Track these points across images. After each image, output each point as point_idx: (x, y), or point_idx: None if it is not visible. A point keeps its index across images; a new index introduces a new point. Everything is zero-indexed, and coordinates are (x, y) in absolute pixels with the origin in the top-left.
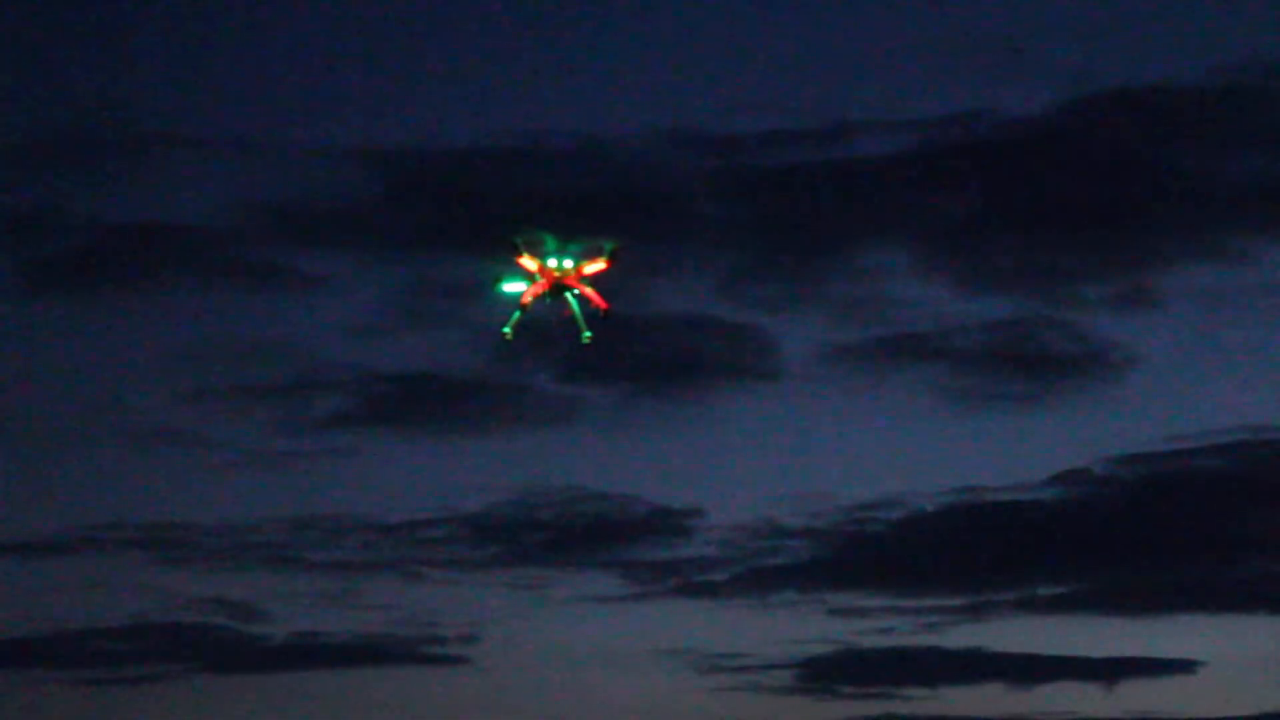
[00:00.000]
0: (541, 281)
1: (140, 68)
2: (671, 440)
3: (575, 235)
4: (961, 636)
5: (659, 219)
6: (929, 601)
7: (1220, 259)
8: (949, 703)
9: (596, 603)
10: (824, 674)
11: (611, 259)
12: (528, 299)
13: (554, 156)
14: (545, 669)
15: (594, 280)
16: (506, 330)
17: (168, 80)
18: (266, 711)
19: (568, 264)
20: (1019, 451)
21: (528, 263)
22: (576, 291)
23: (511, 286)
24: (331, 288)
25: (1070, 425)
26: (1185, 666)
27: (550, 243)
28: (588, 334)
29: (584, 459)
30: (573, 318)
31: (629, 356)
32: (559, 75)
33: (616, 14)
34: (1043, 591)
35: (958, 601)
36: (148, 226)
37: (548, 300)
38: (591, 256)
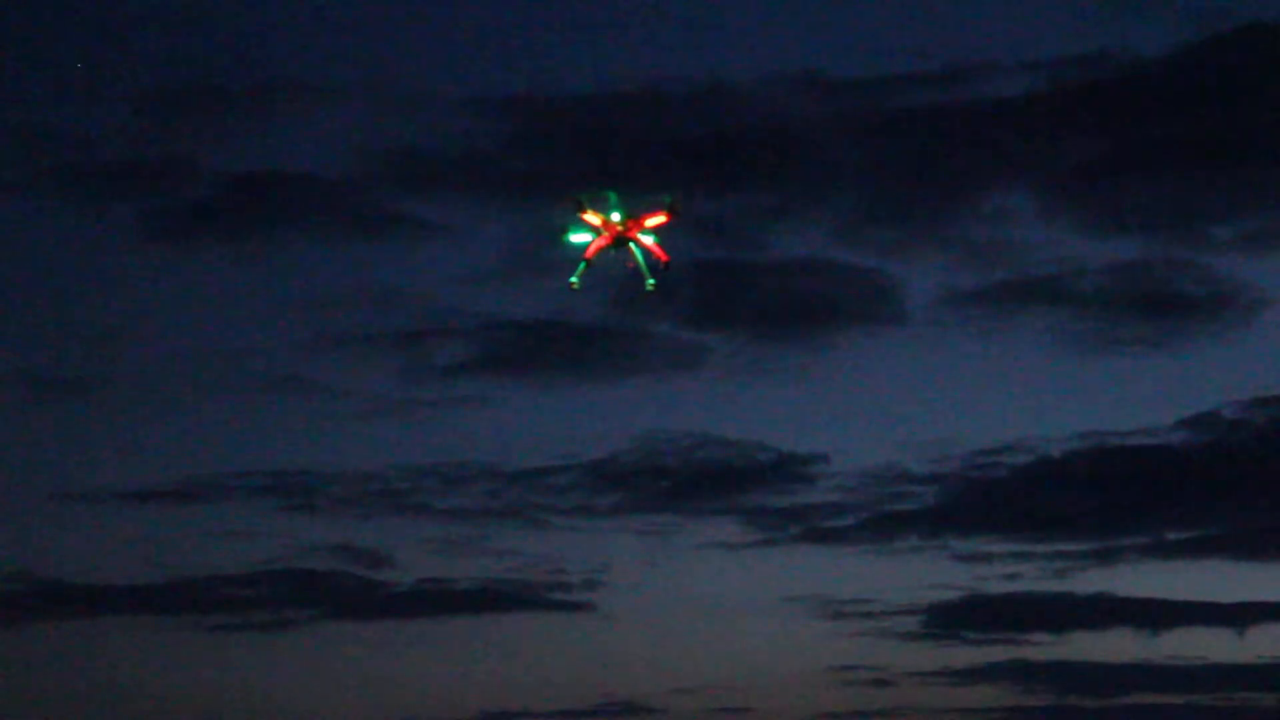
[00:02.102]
0: (605, 235)
1: (263, 18)
2: (795, 386)
3: (638, 190)
4: (1089, 582)
5: (781, 163)
6: (1056, 547)
7: None
8: (1076, 648)
9: (721, 549)
10: (950, 620)
11: (672, 212)
12: (593, 252)
13: (675, 101)
14: (669, 615)
15: (656, 232)
16: (574, 280)
17: (291, 30)
18: (392, 657)
19: (629, 218)
20: (1146, 395)
21: (591, 218)
22: (639, 244)
23: (578, 237)
24: (454, 235)
25: (1198, 368)
26: None
27: (612, 198)
28: (651, 281)
29: (708, 405)
30: (637, 268)
31: (752, 302)
32: (680, 20)
33: None
34: (1171, 536)
35: (1085, 547)
36: (271, 176)
37: (612, 252)
38: (652, 210)
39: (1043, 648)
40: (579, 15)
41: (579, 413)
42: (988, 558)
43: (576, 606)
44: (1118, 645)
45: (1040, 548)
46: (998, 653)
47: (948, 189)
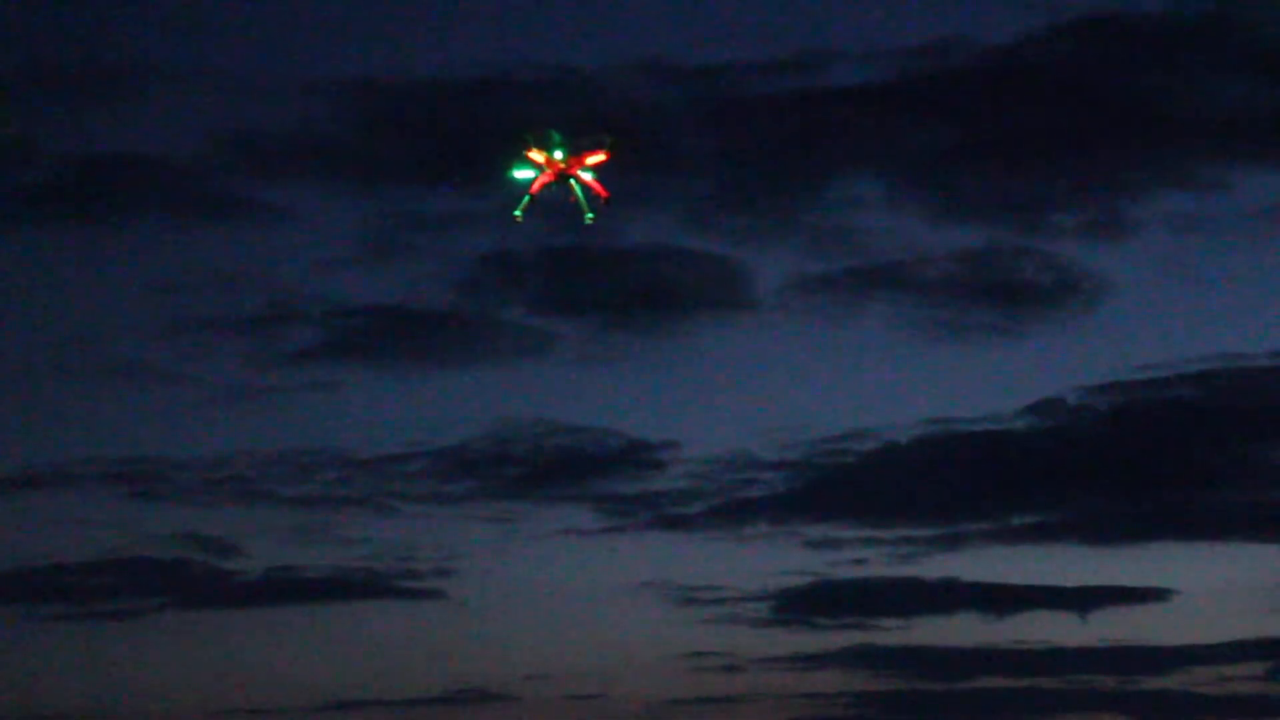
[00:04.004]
0: (548, 172)
1: (110, 1)
2: (644, 373)
3: (578, 130)
4: (935, 567)
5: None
6: (903, 532)
7: (1192, 187)
8: (923, 633)
9: (572, 536)
10: (798, 605)
11: (611, 151)
12: (537, 187)
13: (524, 88)
14: (520, 602)
15: (596, 169)
16: (517, 213)
17: (138, 13)
18: (241, 647)
19: (571, 156)
20: (992, 382)
21: (535, 155)
22: (579, 180)
23: (522, 174)
24: (301, 220)
25: (1043, 355)
26: (1159, 594)
27: (555, 137)
28: (590, 215)
29: (557, 392)
30: (577, 203)
31: (602, 289)
32: (529, 6)
33: None
34: (1016, 521)
35: (931, 532)
36: (117, 159)
37: (554, 188)
38: (593, 149)
39: (890, 632)
40: (427, 1)
41: (429, 399)
42: (836, 543)
43: (428, 594)
44: (964, 629)
45: (887, 533)
46: (847, 637)
47: (796, 176)
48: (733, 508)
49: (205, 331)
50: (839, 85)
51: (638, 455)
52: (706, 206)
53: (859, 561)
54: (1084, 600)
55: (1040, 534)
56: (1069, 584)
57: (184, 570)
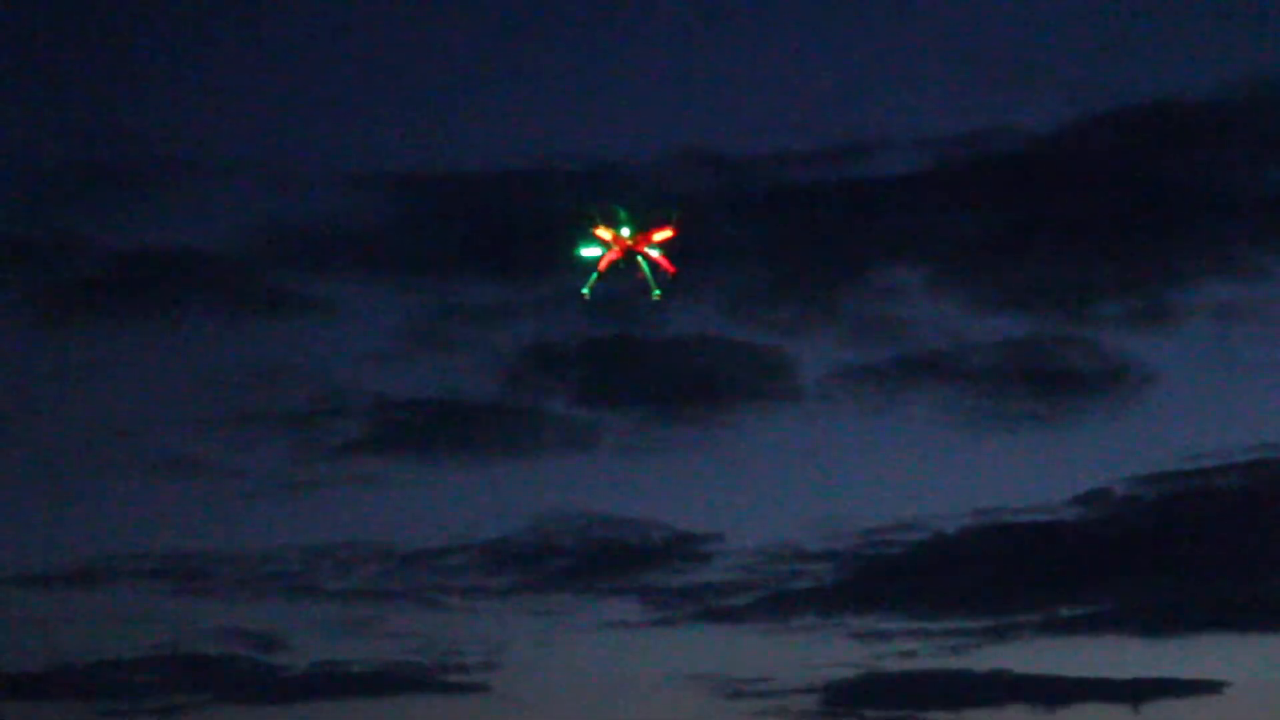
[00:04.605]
0: (615, 249)
1: (153, 95)
2: (689, 464)
3: (642, 207)
4: (984, 658)
5: (672, 241)
6: (951, 624)
7: (1237, 275)
8: None
9: (617, 629)
10: (847, 697)
11: (677, 226)
12: (604, 264)
13: (566, 179)
14: (566, 695)
15: (662, 245)
16: (585, 291)
17: (181, 107)
18: None
19: (638, 233)
20: (1039, 472)
21: (602, 233)
22: (646, 257)
23: (589, 251)
24: (346, 313)
25: (1090, 445)
26: (1211, 687)
27: (622, 214)
28: (657, 292)
29: (601, 484)
30: (645, 279)
31: (645, 380)
32: (571, 98)
33: (627, 35)
34: (1066, 613)
35: (980, 624)
36: (162, 253)
37: (622, 265)
38: (658, 225)
39: None
40: (470, 92)
41: (473, 493)
42: (884, 635)
43: (474, 688)
44: None
45: (936, 625)
46: None
47: (839, 265)
48: (779, 599)
49: (251, 425)
50: (880, 174)
51: (683, 547)
52: (749, 297)
53: (907, 654)
54: (1136, 692)
55: (1090, 625)
56: (1120, 676)
57: (230, 665)
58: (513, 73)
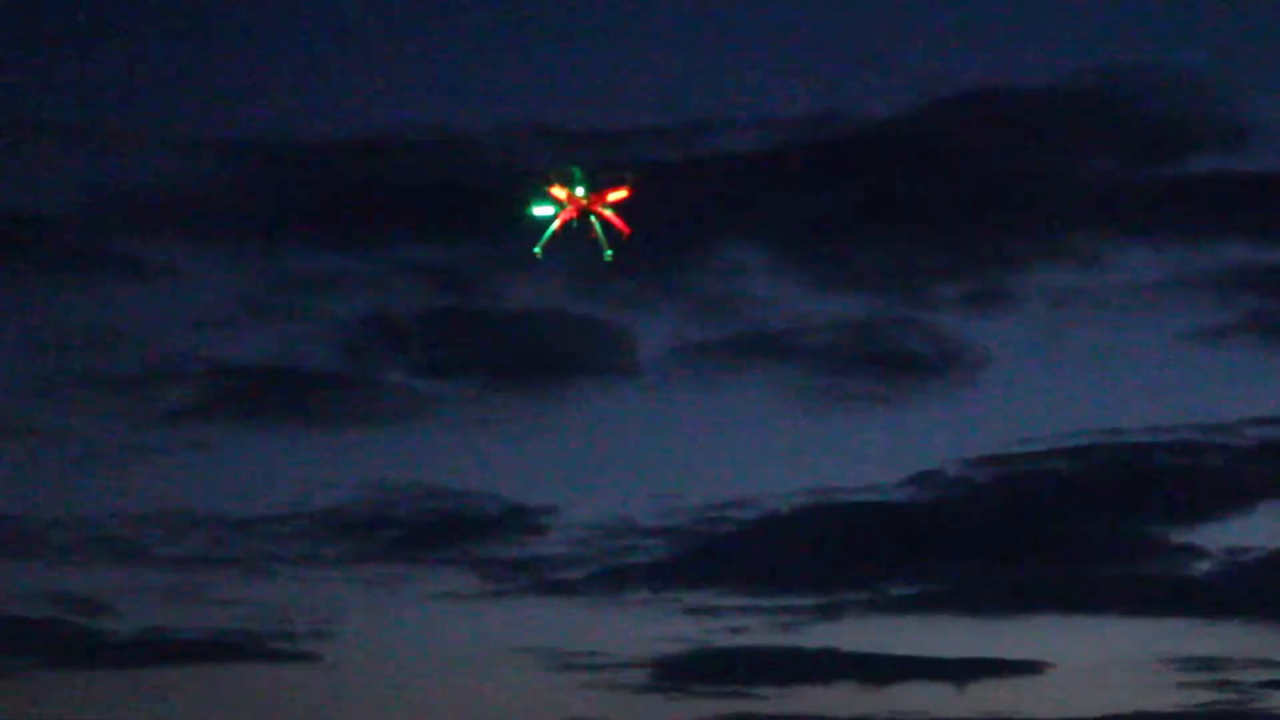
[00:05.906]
0: (569, 208)
1: None
2: (526, 437)
3: (598, 167)
4: (814, 636)
5: (513, 213)
6: (782, 601)
7: (1071, 260)
8: (802, 702)
9: (450, 600)
10: (678, 673)
11: (633, 187)
12: (559, 223)
13: (409, 150)
14: (398, 666)
15: (616, 206)
16: (537, 250)
17: (18, 68)
18: (112, 709)
19: (592, 192)
20: (873, 452)
21: (557, 191)
22: (600, 217)
23: (542, 210)
24: (182, 279)
25: (924, 426)
26: (1034, 667)
27: (577, 174)
28: (610, 253)
29: (438, 455)
30: (597, 240)
31: (484, 352)
32: (415, 68)
33: (476, 6)
34: (895, 592)
35: (810, 601)
36: None
37: (575, 225)
38: (614, 186)
39: (769, 701)
40: (313, 61)
41: (307, 461)
42: (716, 611)
43: (304, 657)
44: (842, 699)
45: (767, 602)
46: (725, 706)
47: (681, 243)
48: (612, 574)
49: (81, 389)
50: (724, 153)
51: (518, 520)
52: (590, 271)
53: (738, 630)
54: (961, 671)
55: (919, 605)
56: (947, 655)
57: (55, 630)
58: (357, 43)
